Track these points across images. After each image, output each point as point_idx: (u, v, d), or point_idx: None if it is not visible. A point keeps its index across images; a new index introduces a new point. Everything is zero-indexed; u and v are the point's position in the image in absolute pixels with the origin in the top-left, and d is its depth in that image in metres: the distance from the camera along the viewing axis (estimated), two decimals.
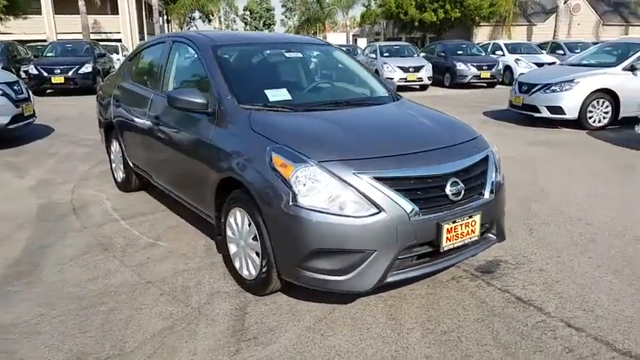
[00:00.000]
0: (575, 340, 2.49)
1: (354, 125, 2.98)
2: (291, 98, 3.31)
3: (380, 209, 2.42)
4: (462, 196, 2.66)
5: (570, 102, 8.54)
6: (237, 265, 3.03)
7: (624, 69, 8.56)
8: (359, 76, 3.96)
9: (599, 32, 34.88)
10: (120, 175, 4.97)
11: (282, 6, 74.38)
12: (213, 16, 53.78)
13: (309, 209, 2.43)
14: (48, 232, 3.97)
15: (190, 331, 2.61)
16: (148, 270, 3.29)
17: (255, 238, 2.79)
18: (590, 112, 8.58)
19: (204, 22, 57.51)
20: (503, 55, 18.87)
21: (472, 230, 2.71)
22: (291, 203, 2.47)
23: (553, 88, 8.71)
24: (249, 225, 2.82)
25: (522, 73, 17.19)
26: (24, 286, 3.08)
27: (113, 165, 5.14)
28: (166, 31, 34.35)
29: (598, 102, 8.56)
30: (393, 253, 2.50)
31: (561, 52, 20.18)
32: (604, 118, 8.65)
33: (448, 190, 2.61)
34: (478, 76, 16.82)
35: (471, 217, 2.67)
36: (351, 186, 2.44)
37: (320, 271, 2.49)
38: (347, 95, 3.69)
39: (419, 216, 2.49)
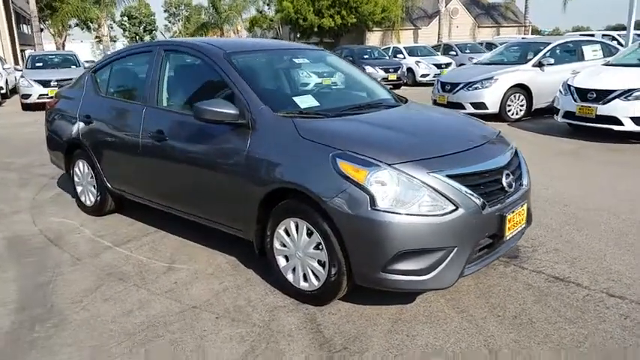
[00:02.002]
0: (625, 307, 2.78)
1: (398, 127, 3.03)
2: (319, 104, 3.28)
3: (457, 206, 2.50)
4: (513, 187, 2.84)
5: (491, 97, 9.33)
6: (290, 277, 2.94)
7: (534, 65, 9.55)
8: (361, 79, 4.01)
9: (476, 34, 38.37)
10: (90, 198, 4.53)
11: (165, 11, 71.66)
12: (92, 23, 50.29)
13: (391, 212, 2.45)
14: (36, 268, 3.51)
15: (275, 350, 2.49)
16: (183, 295, 3.06)
17: (317, 247, 2.73)
18: (509, 105, 9.45)
19: (82, 29, 53.59)
20: (404, 57, 20.03)
21: (522, 218, 2.91)
22: (370, 208, 2.46)
23: (475, 85, 9.46)
24: (310, 235, 2.75)
25: (425, 74, 18.56)
26: (53, 330, 2.71)
27: (78, 188, 4.66)
28: (42, 42, 31.48)
29: (515, 96, 9.45)
30: (470, 247, 2.60)
31: (453, 52, 21.91)
32: (520, 110, 9.57)
33: (504, 182, 2.77)
34: (386, 79, 17.62)
35: (521, 205, 2.86)
36: (428, 185, 2.49)
37: (404, 272, 2.51)
38: (363, 98, 3.73)
39: (487, 209, 2.62)
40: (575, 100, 7.42)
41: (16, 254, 3.77)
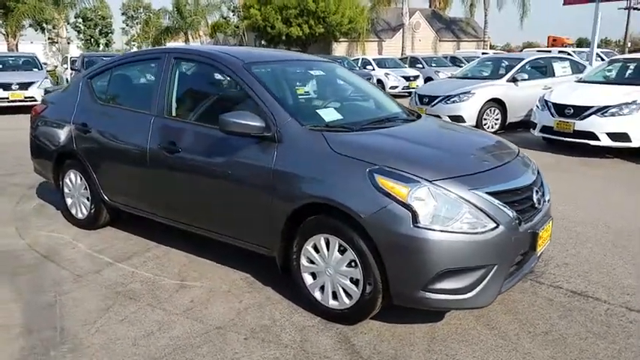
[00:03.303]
0: None
1: (428, 142, 3.02)
2: (342, 117, 3.22)
3: (497, 223, 2.50)
4: (541, 203, 2.87)
5: (469, 111, 9.53)
6: (317, 296, 2.86)
7: (508, 80, 9.84)
8: (372, 91, 3.99)
9: (437, 47, 39.37)
10: (83, 211, 4.29)
11: (123, 14, 69.79)
12: (47, 24, 48.38)
13: (433, 230, 2.42)
14: (34, 287, 3.28)
15: None
16: (203, 315, 2.92)
17: (350, 265, 2.67)
18: (485, 119, 9.69)
19: (36, 30, 51.49)
20: (373, 69, 20.27)
21: (549, 234, 2.95)
22: (412, 225, 2.42)
23: (453, 99, 9.65)
24: (342, 251, 2.69)
25: (394, 86, 18.83)
26: (70, 356, 2.52)
27: (69, 200, 4.41)
28: None
29: (490, 110, 9.70)
30: (509, 264, 2.60)
31: (420, 65, 22.33)
32: (495, 124, 9.83)
33: (535, 198, 2.80)
34: None
35: (548, 222, 2.90)
36: (470, 202, 2.48)
37: (445, 291, 2.48)
38: (380, 112, 3.70)
39: (523, 226, 2.63)
40: (552, 116, 7.68)
41: (9, 271, 3.51)
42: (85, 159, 4.05)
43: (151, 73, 3.70)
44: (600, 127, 7.09)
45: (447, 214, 2.45)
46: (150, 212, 3.73)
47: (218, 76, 3.32)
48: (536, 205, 2.81)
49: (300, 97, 3.69)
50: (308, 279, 2.89)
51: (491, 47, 45.02)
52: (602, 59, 14.43)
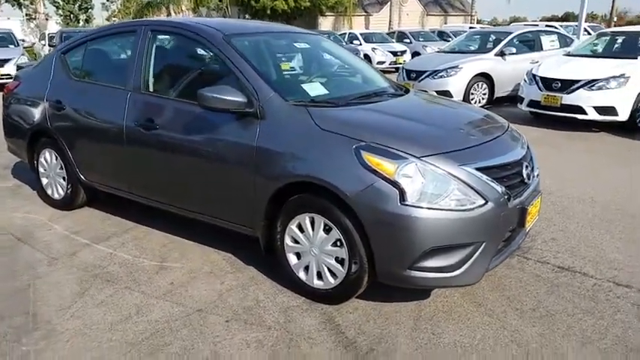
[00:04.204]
0: (634, 296, 2.82)
1: (416, 117, 2.92)
2: (328, 92, 3.10)
3: (486, 199, 2.42)
4: (531, 179, 2.80)
5: (456, 86, 9.40)
6: (302, 276, 2.78)
7: (496, 54, 9.72)
8: (360, 67, 3.85)
9: (424, 22, 38.97)
10: (59, 191, 4.14)
11: None
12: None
13: (421, 207, 2.33)
14: (7, 270, 3.16)
15: (299, 355, 2.33)
16: (184, 297, 2.83)
17: (336, 244, 2.59)
18: (472, 94, 9.58)
19: (13, 6, 49.88)
20: (360, 44, 19.97)
21: (538, 209, 2.89)
22: (399, 203, 2.34)
23: (441, 74, 9.50)
24: (327, 231, 2.60)
25: (381, 61, 18.60)
26: (43, 343, 2.42)
27: (44, 180, 4.26)
28: None
29: (478, 85, 9.59)
30: (498, 241, 2.54)
31: (407, 40, 22.06)
32: (483, 99, 9.74)
33: (524, 173, 2.73)
34: None
35: (537, 197, 2.83)
36: (459, 179, 2.40)
37: (432, 269, 2.42)
38: (367, 87, 3.56)
39: (512, 202, 2.56)
40: (540, 90, 7.61)
41: None
42: (59, 137, 3.89)
43: (127, 47, 3.52)
44: (588, 100, 7.03)
45: (434, 191, 2.36)
46: (128, 192, 3.61)
47: (197, 49, 3.17)
48: (526, 181, 2.73)
49: (284, 71, 3.55)
50: (292, 259, 2.80)
51: (479, 22, 44.70)
52: (589, 33, 14.35)
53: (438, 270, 2.42)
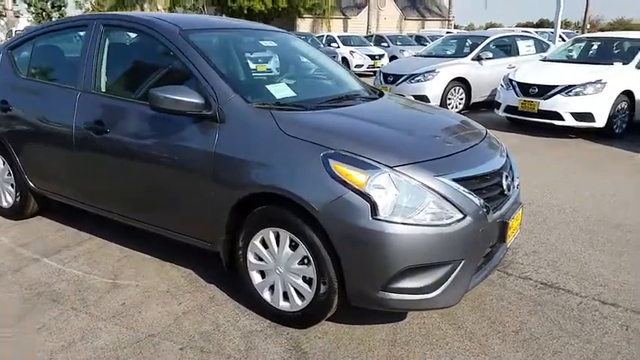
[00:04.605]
0: (621, 316, 2.65)
1: (390, 123, 2.70)
2: (295, 94, 2.87)
3: (464, 213, 2.22)
4: (511, 189, 2.62)
5: (433, 91, 9.27)
6: (267, 296, 2.53)
7: (473, 59, 9.64)
8: (331, 66, 3.62)
9: (402, 26, 39.17)
10: (8, 199, 3.81)
11: None
12: None
13: (395, 222, 2.12)
14: None
15: None
16: (136, 320, 2.56)
17: (303, 262, 2.35)
18: (450, 99, 9.47)
19: None
20: (338, 47, 19.79)
21: (519, 222, 2.70)
22: (371, 218, 2.11)
23: (418, 78, 9.37)
24: (294, 247, 2.36)
25: (359, 65, 18.46)
26: None
27: None
28: None
29: (455, 89, 9.49)
30: (477, 258, 2.35)
31: (385, 44, 22.00)
32: (459, 104, 9.64)
33: (504, 184, 2.54)
34: None
35: (518, 210, 2.65)
36: (434, 191, 2.19)
37: (407, 291, 2.20)
38: (338, 89, 3.34)
39: (492, 215, 2.36)
40: (517, 95, 7.52)
41: None
42: (6, 141, 3.56)
43: (78, 43, 3.23)
44: (565, 106, 6.96)
45: (409, 205, 2.15)
46: (78, 201, 3.30)
47: (152, 45, 2.89)
48: (506, 192, 2.54)
49: (247, 70, 3.30)
50: (256, 278, 2.56)
51: (455, 27, 45.14)
52: (564, 40, 14.47)
53: (414, 291, 2.21)
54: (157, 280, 2.96)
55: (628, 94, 7.07)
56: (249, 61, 3.51)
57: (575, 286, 2.97)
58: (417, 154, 2.30)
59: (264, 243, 2.47)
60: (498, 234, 2.46)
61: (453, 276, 2.24)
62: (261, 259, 2.50)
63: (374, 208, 2.11)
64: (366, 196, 2.12)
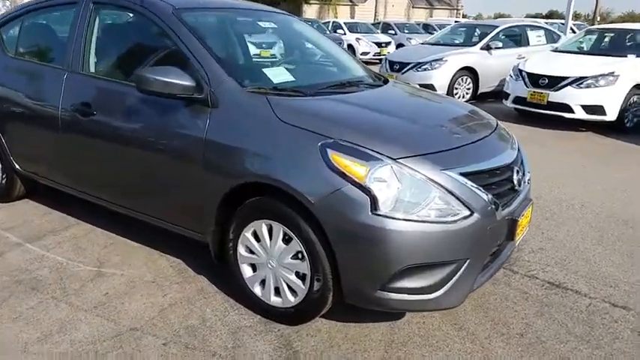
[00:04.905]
0: (632, 320, 2.50)
1: (394, 111, 2.53)
2: (294, 79, 2.69)
3: (472, 210, 2.06)
4: (522, 185, 2.45)
5: (440, 79, 9.05)
6: (257, 291, 2.39)
7: (482, 48, 9.39)
8: (334, 52, 3.43)
9: (410, 14, 38.66)
10: None
11: None
12: None
13: (397, 218, 1.96)
14: None
15: None
16: (118, 312, 2.42)
17: (297, 257, 2.20)
18: (456, 88, 9.25)
19: None
20: (345, 34, 19.50)
21: (529, 219, 2.54)
22: (370, 213, 1.96)
23: (425, 66, 9.14)
24: (287, 241, 2.21)
25: (365, 52, 18.18)
26: None
27: None
28: None
29: (462, 79, 9.26)
30: (484, 258, 2.19)
31: (392, 32, 21.70)
32: (467, 94, 9.42)
33: (515, 179, 2.37)
34: None
35: (528, 206, 2.48)
36: (440, 185, 2.02)
37: (408, 290, 2.05)
38: (341, 75, 3.16)
39: (500, 212, 2.20)
40: (526, 86, 7.30)
41: None
42: None
43: (67, 21, 3.05)
44: (575, 98, 6.75)
45: (412, 199, 1.99)
46: (65, 185, 3.16)
47: (144, 24, 2.72)
48: (516, 188, 2.38)
49: (246, 53, 3.12)
50: (247, 271, 2.41)
51: (464, 16, 44.57)
52: (574, 31, 14.16)
53: (414, 291, 2.05)
54: (143, 269, 2.82)
55: None
56: (252, 46, 3.34)
57: (584, 286, 2.82)
58: (422, 146, 2.14)
59: (255, 235, 2.32)
60: (507, 232, 2.30)
61: (457, 276, 2.08)
62: (252, 252, 2.35)
63: (374, 202, 1.96)
64: (365, 190, 1.96)
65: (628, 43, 7.83)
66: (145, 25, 2.73)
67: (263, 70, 2.67)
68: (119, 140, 2.68)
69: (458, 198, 2.04)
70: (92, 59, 2.92)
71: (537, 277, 2.91)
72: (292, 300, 2.27)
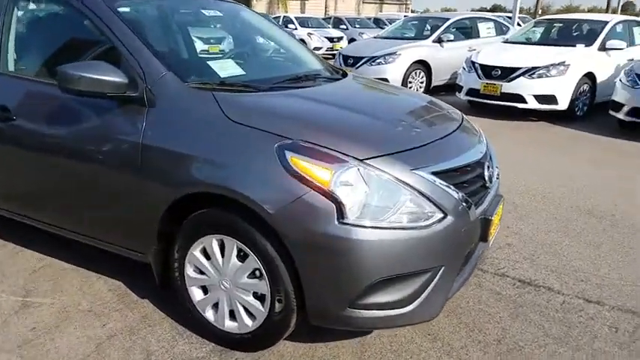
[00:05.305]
0: (608, 316, 2.40)
1: (356, 107, 2.30)
2: (244, 72, 2.42)
3: (445, 212, 1.87)
4: (492, 181, 2.29)
5: (394, 73, 8.94)
6: (210, 316, 2.12)
7: (434, 41, 9.37)
8: (287, 42, 3.18)
9: (360, 9, 38.77)
10: None
11: None
12: None
13: (366, 226, 1.74)
14: None
15: None
16: (47, 351, 2.09)
17: (254, 275, 1.95)
18: (410, 82, 9.19)
19: None
20: (296, 28, 19.23)
21: (500, 217, 2.38)
22: (337, 222, 1.73)
23: (378, 60, 9.02)
24: (243, 258, 1.95)
25: (318, 47, 17.97)
26: None
27: None
28: None
29: (416, 73, 9.21)
30: (459, 263, 2.01)
31: (344, 26, 21.60)
32: (420, 87, 9.38)
33: (486, 176, 2.21)
34: None
35: (500, 203, 2.33)
36: (411, 187, 1.82)
37: (378, 306, 1.84)
38: (296, 68, 2.90)
39: (473, 212, 2.02)
40: (479, 78, 7.30)
41: None
42: None
43: None
44: (528, 89, 6.79)
45: (381, 203, 1.77)
46: None
47: (70, 16, 2.38)
48: (487, 184, 2.21)
49: (189, 45, 2.83)
50: (197, 294, 2.13)
51: (412, 11, 45.15)
52: (519, 24, 14.47)
53: (386, 307, 1.85)
54: (78, 295, 2.48)
55: (590, 76, 6.96)
56: (200, 42, 3.04)
57: (555, 282, 2.71)
58: (390, 144, 1.93)
59: (205, 253, 2.04)
60: (480, 232, 2.13)
61: (431, 286, 1.89)
62: (202, 272, 2.08)
63: (340, 209, 1.73)
64: (330, 196, 1.73)
65: (575, 33, 7.98)
66: (73, 15, 2.39)
67: (208, 62, 2.38)
68: (43, 148, 2.33)
69: (430, 199, 1.84)
70: (11, 56, 2.56)
71: (508, 275, 2.78)
72: (250, 324, 2.02)
